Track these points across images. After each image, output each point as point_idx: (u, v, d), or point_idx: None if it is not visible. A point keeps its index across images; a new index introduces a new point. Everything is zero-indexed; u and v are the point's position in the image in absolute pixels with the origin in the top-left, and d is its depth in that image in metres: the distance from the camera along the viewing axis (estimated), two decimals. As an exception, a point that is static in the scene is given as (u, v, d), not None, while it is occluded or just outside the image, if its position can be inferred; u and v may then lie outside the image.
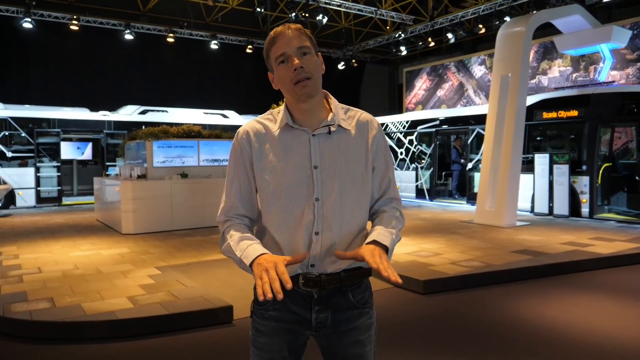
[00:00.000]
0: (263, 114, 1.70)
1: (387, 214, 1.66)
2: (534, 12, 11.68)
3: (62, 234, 8.95)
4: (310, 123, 1.60)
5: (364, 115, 1.69)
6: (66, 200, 14.78)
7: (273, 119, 1.65)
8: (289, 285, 1.33)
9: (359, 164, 1.61)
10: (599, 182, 10.38)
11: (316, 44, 1.62)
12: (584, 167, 10.40)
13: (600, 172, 10.40)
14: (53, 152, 14.54)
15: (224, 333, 4.21)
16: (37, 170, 14.04)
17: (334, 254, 1.50)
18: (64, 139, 14.94)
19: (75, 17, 15.56)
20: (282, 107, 1.66)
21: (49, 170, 14.37)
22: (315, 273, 1.57)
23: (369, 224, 1.71)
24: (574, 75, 15.96)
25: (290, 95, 1.59)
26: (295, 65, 1.52)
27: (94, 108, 15.50)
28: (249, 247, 1.51)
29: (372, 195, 1.68)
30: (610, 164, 10.84)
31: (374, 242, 1.51)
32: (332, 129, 1.59)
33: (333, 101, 1.66)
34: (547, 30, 12.84)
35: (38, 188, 14.02)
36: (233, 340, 4.05)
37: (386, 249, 1.51)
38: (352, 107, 1.70)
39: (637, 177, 10.40)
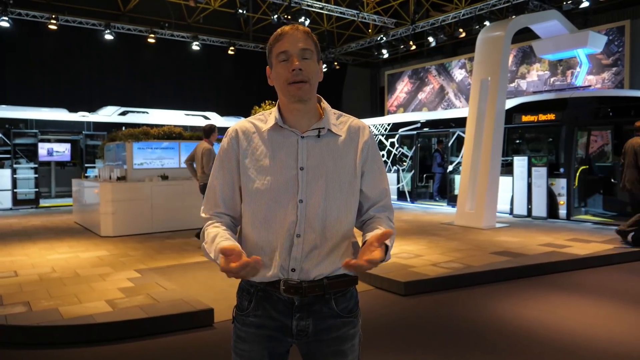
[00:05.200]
0: (255, 115, 1.70)
1: (384, 221, 1.63)
2: (513, 17, 11.87)
3: (39, 237, 8.79)
4: (300, 125, 1.59)
5: (356, 121, 1.68)
6: (44, 203, 14.52)
7: (264, 119, 1.65)
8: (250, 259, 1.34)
9: (347, 169, 1.60)
10: (576, 184, 10.58)
11: (320, 52, 1.63)
12: (562, 170, 10.59)
13: (577, 174, 10.60)
14: (30, 153, 14.29)
15: (205, 336, 4.19)
16: (14, 171, 13.76)
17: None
18: (42, 140, 14.68)
19: (53, 16, 15.31)
20: (274, 109, 1.65)
21: (26, 172, 14.11)
22: (296, 279, 1.54)
23: (356, 230, 1.69)
24: (552, 79, 16.25)
25: (284, 95, 1.58)
26: (294, 66, 1.53)
27: (72, 109, 15.28)
28: (218, 246, 1.47)
29: (366, 200, 1.66)
30: (587, 166, 11.07)
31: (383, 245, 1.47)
32: (322, 132, 1.59)
33: (326, 106, 1.66)
34: (525, 35, 13.05)
35: (15, 190, 13.75)
36: (214, 344, 4.03)
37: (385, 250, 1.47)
38: (344, 114, 1.70)
39: (612, 180, 10.63)
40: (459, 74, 19.56)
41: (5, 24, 14.47)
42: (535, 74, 16.79)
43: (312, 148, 1.58)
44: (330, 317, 1.59)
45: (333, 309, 1.59)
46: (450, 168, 13.32)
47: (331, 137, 1.61)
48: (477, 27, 14.56)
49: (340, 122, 1.66)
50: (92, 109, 15.87)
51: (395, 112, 21.70)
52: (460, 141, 12.76)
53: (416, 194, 14.35)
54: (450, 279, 5.71)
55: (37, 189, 14.21)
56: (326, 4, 16.55)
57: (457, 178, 12.26)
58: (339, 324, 1.60)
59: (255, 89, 20.13)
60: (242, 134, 1.63)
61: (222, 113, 18.15)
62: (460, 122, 12.26)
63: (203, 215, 1.66)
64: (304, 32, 1.57)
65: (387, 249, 1.48)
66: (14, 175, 13.75)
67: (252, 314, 1.60)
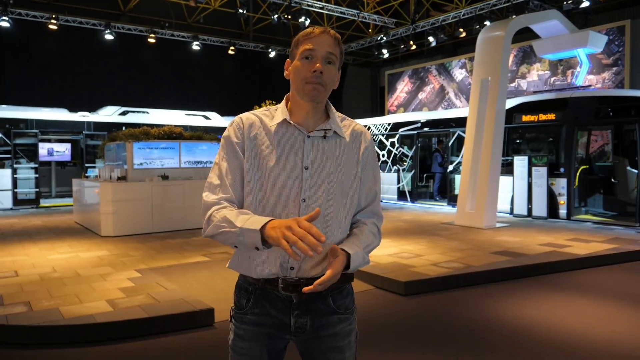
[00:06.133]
0: (260, 109, 1.69)
1: (367, 228, 1.66)
2: (513, 16, 11.87)
3: (39, 237, 8.80)
4: (307, 124, 1.61)
5: (359, 126, 1.72)
6: (44, 202, 14.52)
7: (270, 115, 1.65)
8: (322, 237, 1.29)
9: (349, 172, 1.63)
10: (576, 184, 10.58)
11: (343, 61, 1.65)
12: (562, 170, 10.59)
13: (578, 174, 10.61)
14: (31, 153, 14.29)
15: (205, 336, 4.19)
16: (14, 171, 13.77)
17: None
18: (42, 140, 14.68)
19: (54, 16, 15.32)
20: (279, 105, 1.66)
21: (26, 172, 14.11)
22: (295, 277, 1.56)
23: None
24: (552, 79, 16.25)
25: (297, 92, 1.60)
26: (316, 68, 1.54)
27: (73, 109, 15.29)
28: (252, 217, 1.44)
29: (357, 205, 1.69)
30: (587, 166, 11.07)
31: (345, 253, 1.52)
32: (328, 133, 1.61)
33: (331, 108, 1.68)
34: (526, 34, 13.04)
35: (15, 190, 13.75)
36: (214, 344, 4.03)
37: (348, 264, 1.52)
38: (347, 117, 1.73)
39: (612, 180, 10.63)
40: (459, 73, 19.56)
41: (6, 24, 14.48)
42: (536, 73, 16.79)
43: (318, 148, 1.59)
44: (327, 314, 1.62)
45: (330, 306, 1.62)
46: (450, 168, 13.33)
47: (336, 139, 1.63)
48: (477, 26, 14.58)
49: (343, 125, 1.69)
50: (92, 108, 15.87)
51: (395, 112, 21.70)
52: (460, 141, 12.76)
53: (416, 194, 14.35)
54: (450, 279, 5.71)
55: (37, 189, 14.20)
56: (326, 4, 16.55)
57: (458, 178, 12.27)
58: (336, 320, 1.63)
59: (255, 88, 20.16)
60: (247, 125, 1.62)
61: (223, 113, 18.15)
62: (461, 122, 12.26)
63: (208, 200, 1.57)
64: (334, 38, 1.59)
65: (349, 258, 1.52)
66: (15, 175, 13.75)
67: (250, 312, 1.62)
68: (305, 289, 1.45)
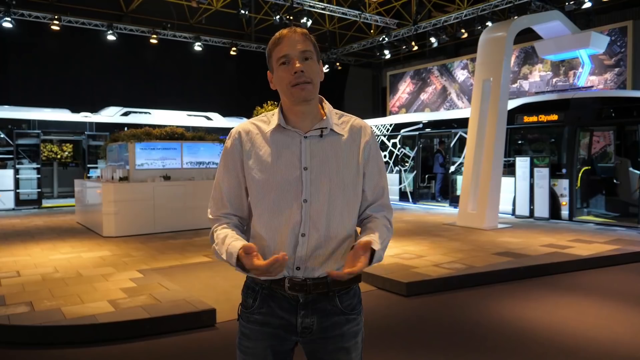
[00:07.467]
0: (258, 116, 1.71)
1: (380, 222, 1.64)
2: (515, 17, 11.86)
3: (41, 237, 8.81)
4: (303, 125, 1.60)
5: (358, 121, 1.70)
6: (46, 203, 14.55)
7: (267, 120, 1.66)
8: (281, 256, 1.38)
9: (350, 168, 1.61)
10: (578, 185, 10.57)
11: (319, 52, 1.64)
12: (564, 171, 10.58)
13: (580, 175, 10.59)
14: (33, 153, 14.33)
15: (207, 336, 4.19)
16: (17, 172, 13.80)
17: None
18: (44, 141, 14.70)
19: (56, 17, 15.34)
20: (276, 110, 1.66)
21: (28, 172, 14.13)
22: (301, 277, 1.56)
23: (358, 228, 1.70)
24: (554, 80, 16.23)
25: (287, 97, 1.59)
26: (296, 69, 1.54)
27: (75, 109, 15.32)
28: (229, 247, 1.51)
29: (364, 200, 1.68)
30: (589, 167, 11.05)
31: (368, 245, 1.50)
32: (325, 132, 1.60)
33: (327, 106, 1.67)
34: (527, 35, 13.04)
35: (17, 190, 13.78)
36: (216, 344, 4.03)
37: (372, 253, 1.50)
38: (346, 113, 1.71)
39: (614, 180, 10.62)
40: (461, 74, 19.54)
41: (8, 25, 14.50)
42: (538, 74, 16.77)
43: (316, 148, 1.59)
44: (334, 314, 1.61)
45: (337, 306, 1.61)
46: (452, 169, 13.32)
47: (334, 136, 1.62)
48: (479, 27, 14.56)
49: (342, 121, 1.67)
50: (94, 109, 15.90)
51: (397, 113, 21.68)
52: (462, 142, 12.75)
53: (418, 195, 14.33)
54: (452, 280, 5.71)
55: (39, 189, 14.23)
56: (328, 5, 16.55)
57: (459, 178, 12.25)
58: (343, 321, 1.62)
59: (257, 89, 20.08)
60: (245, 135, 1.64)
61: (225, 114, 18.16)
62: (463, 123, 12.25)
63: (210, 217, 1.68)
64: (302, 34, 1.58)
65: (373, 254, 1.50)
66: (17, 176, 13.78)
67: (256, 312, 1.62)
68: (333, 272, 1.42)
